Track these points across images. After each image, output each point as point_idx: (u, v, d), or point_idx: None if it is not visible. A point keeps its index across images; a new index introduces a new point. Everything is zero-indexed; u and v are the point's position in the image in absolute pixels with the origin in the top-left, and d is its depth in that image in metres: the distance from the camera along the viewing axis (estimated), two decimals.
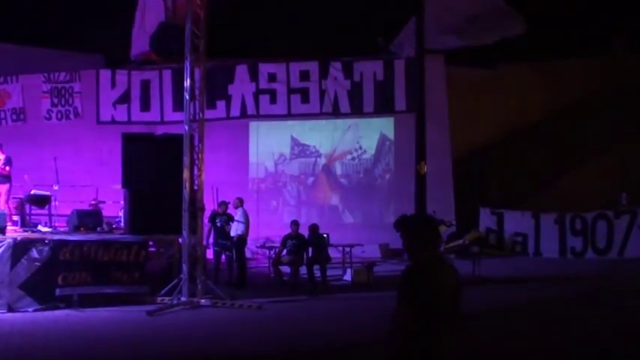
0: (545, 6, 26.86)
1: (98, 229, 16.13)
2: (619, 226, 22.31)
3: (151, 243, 15.92)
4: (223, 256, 18.19)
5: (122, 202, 17.44)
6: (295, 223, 17.89)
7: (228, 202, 18.40)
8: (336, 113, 23.39)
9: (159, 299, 14.73)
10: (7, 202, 17.99)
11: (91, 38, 23.13)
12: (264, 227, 23.16)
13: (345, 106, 22.90)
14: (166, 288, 14.84)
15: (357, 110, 23.32)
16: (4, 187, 18.01)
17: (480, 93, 26.50)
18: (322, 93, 22.89)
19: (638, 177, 24.70)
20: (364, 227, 24.04)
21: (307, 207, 25.08)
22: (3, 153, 18.27)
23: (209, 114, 17.89)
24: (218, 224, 17.99)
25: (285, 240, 17.59)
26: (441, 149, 23.32)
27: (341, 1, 19.99)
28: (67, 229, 16.46)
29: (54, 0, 18.12)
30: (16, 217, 17.38)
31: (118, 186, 16.72)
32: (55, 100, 22.98)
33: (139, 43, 21.21)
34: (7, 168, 18.15)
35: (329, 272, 17.72)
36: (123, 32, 21.47)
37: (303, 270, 17.12)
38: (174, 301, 14.52)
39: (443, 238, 22.68)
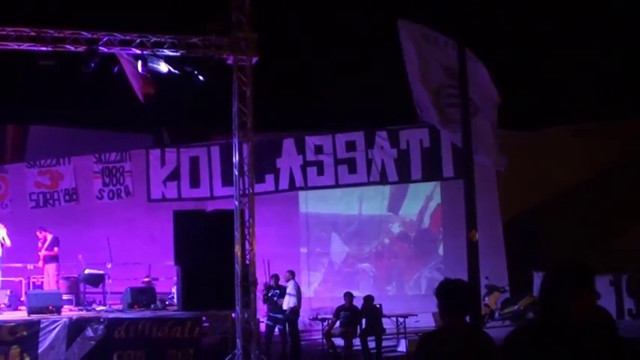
0: (584, 67, 26.85)
1: (152, 306, 16.23)
2: None
3: (204, 319, 15.94)
4: (276, 330, 18.13)
5: (175, 279, 17.54)
6: (349, 295, 17.82)
7: (279, 277, 18.48)
8: (383, 182, 23.34)
9: None
10: (57, 282, 18.28)
11: (140, 119, 23.54)
12: (317, 299, 23.01)
13: (392, 174, 22.82)
14: None
15: (404, 178, 23.22)
16: (52, 267, 18.33)
17: (524, 155, 26.31)
18: (369, 162, 22.85)
19: None
20: (417, 297, 23.78)
21: (360, 278, 24.88)
22: (50, 233, 18.68)
23: (258, 188, 17.98)
24: (273, 298, 18.01)
25: (338, 312, 17.51)
26: (490, 214, 23.05)
27: (384, 71, 20.10)
28: (121, 306, 16.58)
29: (102, 86, 18.50)
30: (67, 296, 17.54)
31: (171, 263, 16.86)
32: (107, 180, 23.30)
33: None
34: (55, 249, 18.53)
35: (382, 343, 17.53)
36: (172, 111, 21.90)
37: (357, 342, 16.97)
38: None
39: (497, 305, 22.36)
